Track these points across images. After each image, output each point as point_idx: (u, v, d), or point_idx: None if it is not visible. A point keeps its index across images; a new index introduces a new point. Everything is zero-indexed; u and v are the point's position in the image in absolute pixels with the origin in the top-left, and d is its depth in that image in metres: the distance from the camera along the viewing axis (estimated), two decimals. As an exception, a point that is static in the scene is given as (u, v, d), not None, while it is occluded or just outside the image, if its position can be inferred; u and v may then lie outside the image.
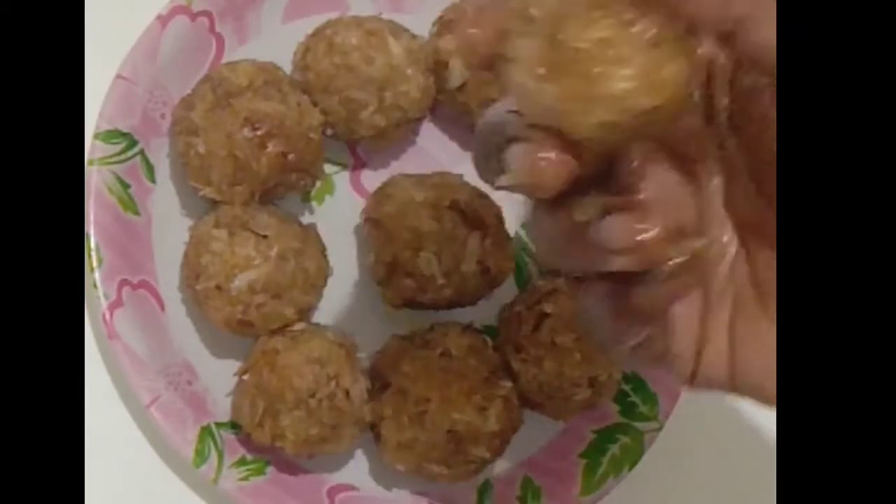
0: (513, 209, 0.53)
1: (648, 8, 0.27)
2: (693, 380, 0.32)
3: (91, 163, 0.49)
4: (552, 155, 0.28)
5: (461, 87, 0.52)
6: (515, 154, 0.28)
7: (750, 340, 0.31)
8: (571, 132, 0.27)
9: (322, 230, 0.52)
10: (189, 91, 0.51)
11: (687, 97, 0.28)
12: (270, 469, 0.50)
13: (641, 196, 0.28)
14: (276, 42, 0.53)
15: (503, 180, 0.28)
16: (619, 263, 0.28)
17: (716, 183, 0.31)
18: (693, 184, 0.30)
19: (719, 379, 0.32)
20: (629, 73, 0.26)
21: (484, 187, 0.51)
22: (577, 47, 0.26)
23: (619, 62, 0.26)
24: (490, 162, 0.30)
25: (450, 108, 0.54)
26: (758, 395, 0.31)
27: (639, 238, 0.28)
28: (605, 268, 0.29)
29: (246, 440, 0.50)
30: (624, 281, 0.29)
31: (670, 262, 0.29)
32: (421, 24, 0.53)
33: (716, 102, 0.30)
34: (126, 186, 0.50)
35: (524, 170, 0.28)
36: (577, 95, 0.27)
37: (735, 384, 0.32)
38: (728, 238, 0.31)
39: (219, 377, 0.51)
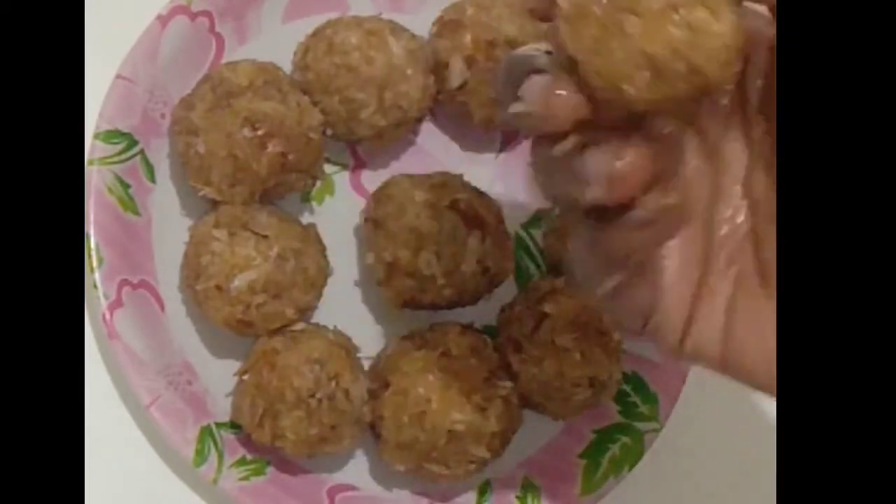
0: (513, 209, 0.53)
1: None
2: (681, 349, 0.32)
3: (91, 163, 0.49)
4: (565, 92, 0.29)
5: (461, 87, 0.52)
6: (533, 85, 0.30)
7: (748, 322, 0.32)
8: (592, 81, 0.29)
9: (322, 230, 0.52)
10: (189, 91, 0.51)
11: (724, 65, 0.28)
12: (270, 469, 0.50)
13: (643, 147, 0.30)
14: (276, 42, 0.53)
15: (516, 107, 0.30)
16: (591, 193, 0.30)
17: (739, 165, 0.32)
18: (711, 161, 0.32)
19: (711, 355, 0.32)
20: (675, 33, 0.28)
21: (484, 187, 0.52)
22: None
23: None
24: (508, 90, 0.31)
25: (450, 108, 0.54)
26: (747, 379, 0.32)
27: (610, 167, 0.29)
28: (581, 197, 0.30)
29: (246, 440, 0.50)
30: (603, 220, 0.31)
31: (642, 209, 0.30)
32: (421, 24, 0.53)
33: (748, 85, 0.31)
34: (126, 186, 0.50)
35: (538, 101, 0.30)
36: (602, 46, 0.28)
37: (726, 364, 0.32)
38: (742, 220, 0.32)
39: (219, 377, 0.51)
